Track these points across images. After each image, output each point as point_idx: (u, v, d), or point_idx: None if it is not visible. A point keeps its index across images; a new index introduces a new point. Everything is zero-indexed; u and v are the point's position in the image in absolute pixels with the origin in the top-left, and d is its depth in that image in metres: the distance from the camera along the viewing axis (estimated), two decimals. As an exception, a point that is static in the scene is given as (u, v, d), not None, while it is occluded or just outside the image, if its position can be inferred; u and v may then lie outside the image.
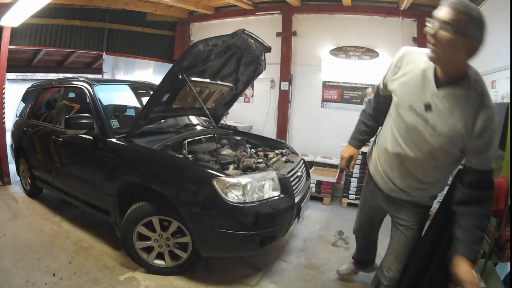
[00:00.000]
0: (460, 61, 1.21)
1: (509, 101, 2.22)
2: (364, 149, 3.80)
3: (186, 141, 2.43)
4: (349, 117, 4.59)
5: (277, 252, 2.62)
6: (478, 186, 1.28)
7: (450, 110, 1.24)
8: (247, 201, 1.96)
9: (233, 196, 1.93)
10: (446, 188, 1.61)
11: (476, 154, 1.26)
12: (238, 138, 3.04)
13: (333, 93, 4.69)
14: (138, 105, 3.12)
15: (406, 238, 1.59)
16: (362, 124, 1.81)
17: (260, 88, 5.12)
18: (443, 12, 1.14)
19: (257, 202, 1.99)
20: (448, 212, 1.55)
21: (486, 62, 3.02)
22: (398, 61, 1.42)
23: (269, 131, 4.91)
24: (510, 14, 2.32)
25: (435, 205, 1.69)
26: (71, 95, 3.13)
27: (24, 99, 3.92)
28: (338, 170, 3.99)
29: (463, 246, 1.28)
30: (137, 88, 3.32)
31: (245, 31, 2.36)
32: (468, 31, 1.12)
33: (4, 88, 3.99)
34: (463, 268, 1.25)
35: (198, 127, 3.22)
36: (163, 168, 2.13)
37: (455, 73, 1.24)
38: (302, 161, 2.79)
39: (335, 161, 4.24)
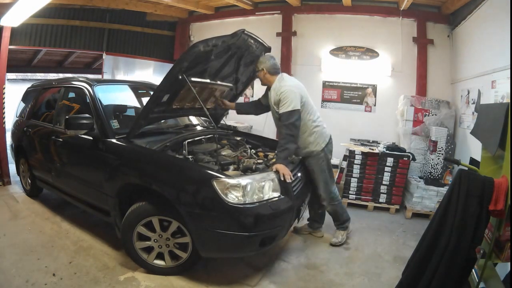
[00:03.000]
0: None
1: (509, 101, 2.22)
2: (364, 149, 3.81)
3: (186, 141, 2.43)
4: (349, 117, 4.62)
5: (277, 252, 2.62)
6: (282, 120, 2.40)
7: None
8: (247, 202, 1.96)
9: (233, 197, 1.93)
10: (446, 188, 1.61)
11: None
12: (238, 138, 3.04)
13: (333, 93, 4.70)
14: (138, 106, 3.11)
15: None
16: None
17: (260, 88, 5.10)
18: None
19: (257, 203, 1.99)
20: (447, 212, 1.56)
21: (486, 62, 3.03)
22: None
23: (269, 131, 4.90)
24: (510, 14, 2.31)
25: (435, 205, 1.69)
26: (71, 95, 3.13)
27: (24, 99, 3.92)
28: (338, 170, 3.99)
29: (276, 156, 2.37)
30: (137, 88, 3.31)
31: (245, 31, 2.36)
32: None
33: (4, 88, 4.00)
34: (277, 165, 2.24)
35: (198, 128, 3.21)
36: (163, 168, 2.13)
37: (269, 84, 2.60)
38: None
39: (335, 161, 4.24)
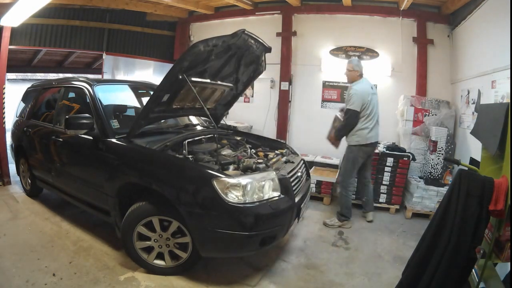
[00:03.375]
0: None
1: (509, 101, 2.22)
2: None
3: (186, 141, 2.42)
4: (349, 117, 4.62)
5: (277, 252, 2.62)
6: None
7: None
8: (247, 201, 1.96)
9: (233, 197, 1.93)
10: (446, 188, 1.61)
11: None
12: (238, 138, 3.04)
13: (333, 93, 4.70)
14: (138, 105, 3.12)
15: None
16: None
17: (260, 88, 5.12)
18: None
19: (257, 203, 1.99)
20: (447, 212, 1.56)
21: (486, 62, 3.03)
22: None
23: (269, 131, 4.91)
24: (510, 14, 2.31)
25: (435, 205, 1.70)
26: (71, 95, 3.13)
27: (24, 99, 3.92)
28: (338, 170, 3.98)
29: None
30: (137, 88, 3.32)
31: (245, 32, 2.36)
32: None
33: (4, 88, 4.00)
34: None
35: (198, 127, 3.21)
36: (163, 168, 2.13)
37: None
38: (302, 161, 2.80)
39: (335, 161, 4.25)
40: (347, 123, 3.10)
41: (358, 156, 3.16)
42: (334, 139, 3.26)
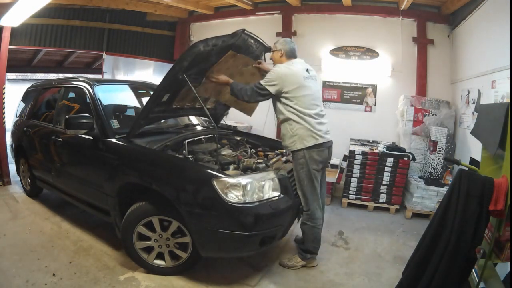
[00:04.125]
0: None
1: (509, 101, 2.22)
2: (364, 148, 3.82)
3: (186, 141, 2.43)
4: (349, 117, 4.62)
5: (277, 252, 2.62)
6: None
7: None
8: (247, 201, 1.96)
9: (233, 197, 1.93)
10: (446, 188, 1.62)
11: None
12: (238, 138, 3.04)
13: (333, 93, 4.69)
14: (138, 105, 3.12)
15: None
16: None
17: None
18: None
19: (257, 203, 1.99)
20: (447, 212, 1.56)
21: (486, 62, 3.03)
22: None
23: (269, 131, 4.90)
24: (510, 14, 2.31)
25: (435, 205, 1.70)
26: (71, 95, 3.13)
27: (24, 99, 3.92)
28: (338, 170, 3.99)
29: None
30: (137, 88, 3.32)
31: (245, 31, 2.36)
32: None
33: (4, 88, 4.00)
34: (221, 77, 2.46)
35: (198, 127, 3.21)
36: (163, 168, 2.13)
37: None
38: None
39: (335, 161, 4.24)
40: (244, 94, 2.31)
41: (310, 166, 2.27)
42: (221, 81, 2.46)
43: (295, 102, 2.25)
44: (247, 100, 2.35)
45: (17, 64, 7.32)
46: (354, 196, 3.87)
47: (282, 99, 2.29)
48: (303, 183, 2.27)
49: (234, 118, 5.01)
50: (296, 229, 3.05)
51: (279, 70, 2.29)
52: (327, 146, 2.33)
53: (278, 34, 4.82)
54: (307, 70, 2.38)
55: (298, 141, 2.25)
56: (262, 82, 2.28)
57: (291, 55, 2.40)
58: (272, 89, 2.26)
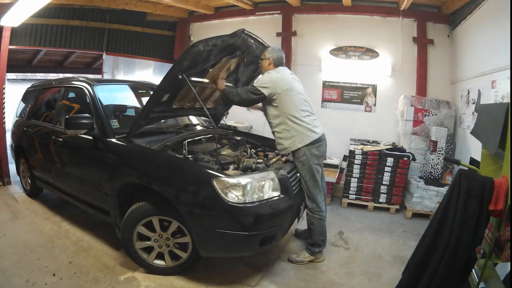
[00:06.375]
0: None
1: (509, 101, 2.22)
2: (365, 148, 3.81)
3: (186, 141, 2.43)
4: (349, 117, 4.62)
5: (277, 252, 2.62)
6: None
7: None
8: (247, 201, 1.95)
9: (233, 197, 1.93)
10: (446, 188, 1.62)
11: None
12: (238, 138, 3.04)
13: (333, 93, 4.69)
14: (138, 105, 3.12)
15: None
16: None
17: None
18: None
19: (257, 203, 1.99)
20: (447, 212, 1.56)
21: (486, 62, 3.03)
22: None
23: (269, 131, 4.87)
24: (510, 14, 2.31)
25: (435, 205, 1.70)
26: (71, 95, 3.13)
27: (24, 99, 3.92)
28: (338, 170, 3.99)
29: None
30: (137, 88, 3.32)
31: (245, 31, 2.37)
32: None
33: (4, 88, 3.99)
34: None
35: (198, 127, 3.21)
36: (163, 168, 2.13)
37: None
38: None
39: (335, 161, 4.24)
40: (235, 94, 2.40)
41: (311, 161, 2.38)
42: (217, 84, 2.58)
43: (288, 102, 2.35)
44: (238, 100, 2.43)
45: (17, 64, 7.32)
46: (354, 196, 3.86)
47: (275, 102, 2.38)
48: (306, 179, 2.38)
49: (234, 118, 5.02)
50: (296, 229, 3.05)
51: (270, 74, 2.42)
52: (323, 139, 2.48)
53: (278, 34, 4.83)
54: (291, 74, 2.54)
55: (298, 140, 2.35)
56: (255, 84, 2.38)
57: (279, 63, 2.52)
58: (265, 91, 2.34)
